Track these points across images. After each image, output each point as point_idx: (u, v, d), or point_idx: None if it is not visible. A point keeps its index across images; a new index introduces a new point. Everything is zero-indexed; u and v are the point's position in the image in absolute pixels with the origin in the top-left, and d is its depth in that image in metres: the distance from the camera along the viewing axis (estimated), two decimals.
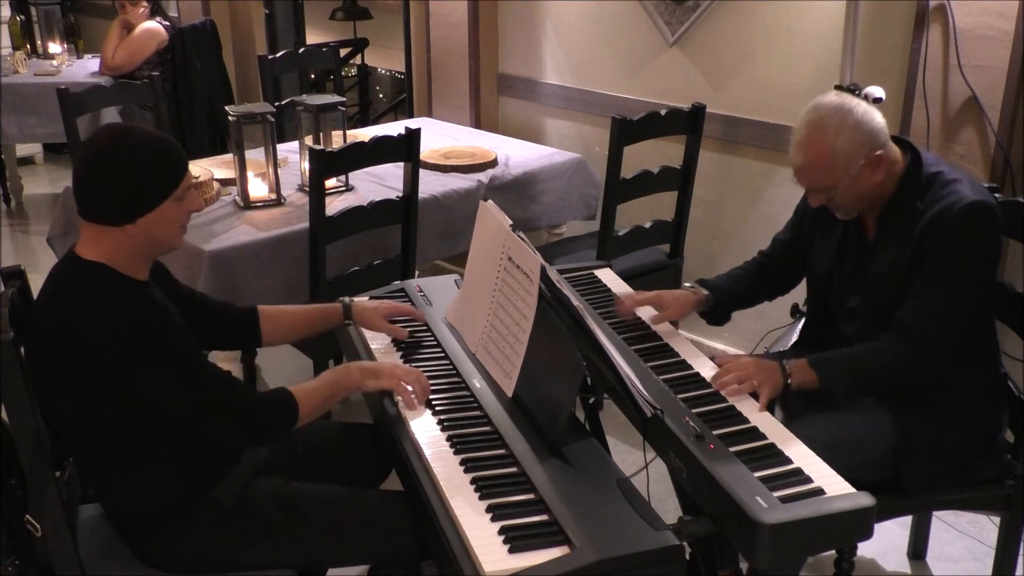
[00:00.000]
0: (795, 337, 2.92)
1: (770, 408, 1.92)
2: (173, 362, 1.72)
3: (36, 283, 1.81)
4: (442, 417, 1.88)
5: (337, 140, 3.28)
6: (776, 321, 3.22)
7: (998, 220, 1.97)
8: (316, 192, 2.73)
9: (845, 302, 2.15)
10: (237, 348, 1.80)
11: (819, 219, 2.21)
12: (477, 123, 4.29)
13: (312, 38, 6.26)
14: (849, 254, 2.15)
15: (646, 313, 2.23)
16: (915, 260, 1.98)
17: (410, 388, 1.92)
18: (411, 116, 4.68)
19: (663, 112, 3.15)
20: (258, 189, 3.13)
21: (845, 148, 1.95)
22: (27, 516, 1.67)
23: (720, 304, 2.31)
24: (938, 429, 2.02)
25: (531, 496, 1.64)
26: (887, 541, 2.69)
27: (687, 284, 2.32)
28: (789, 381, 1.97)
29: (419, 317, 2.20)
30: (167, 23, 5.12)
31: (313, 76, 5.70)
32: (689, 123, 3.19)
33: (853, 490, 1.62)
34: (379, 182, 3.32)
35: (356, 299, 2.20)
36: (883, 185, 2.02)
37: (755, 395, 1.93)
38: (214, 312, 2.02)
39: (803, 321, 2.88)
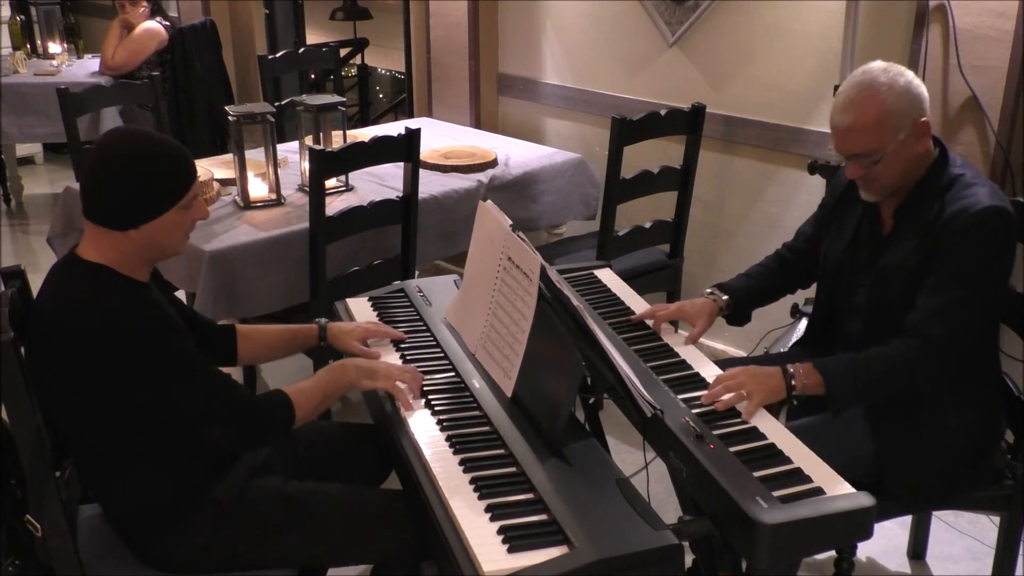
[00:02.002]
0: (795, 337, 2.92)
1: (775, 414, 1.88)
2: (173, 364, 1.72)
3: (36, 283, 1.81)
4: (441, 417, 1.88)
5: (337, 140, 3.28)
6: (776, 321, 3.22)
7: (1014, 228, 1.94)
8: (316, 192, 2.73)
9: (852, 296, 2.13)
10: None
11: (838, 210, 2.20)
12: (477, 123, 4.29)
13: (312, 38, 6.26)
14: (862, 247, 2.13)
15: (667, 330, 2.20)
16: (926, 259, 1.95)
17: (405, 387, 1.93)
18: (411, 116, 4.68)
19: (663, 112, 3.15)
20: (258, 189, 3.14)
21: (896, 108, 1.92)
22: (27, 516, 1.67)
23: (739, 305, 2.29)
24: (923, 438, 2.00)
25: (530, 496, 1.64)
26: (887, 541, 2.69)
27: (707, 291, 2.31)
28: (793, 383, 1.91)
29: (396, 337, 2.17)
30: (167, 23, 5.12)
31: (313, 76, 5.70)
32: (689, 123, 3.19)
33: (853, 490, 1.62)
34: (379, 182, 3.32)
35: (332, 322, 2.17)
36: (917, 165, 1.99)
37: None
38: (197, 325, 2.02)
39: (805, 321, 2.89)
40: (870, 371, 1.93)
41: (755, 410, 1.85)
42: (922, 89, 1.97)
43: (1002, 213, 1.92)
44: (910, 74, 1.97)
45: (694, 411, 1.84)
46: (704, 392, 1.91)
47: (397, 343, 2.16)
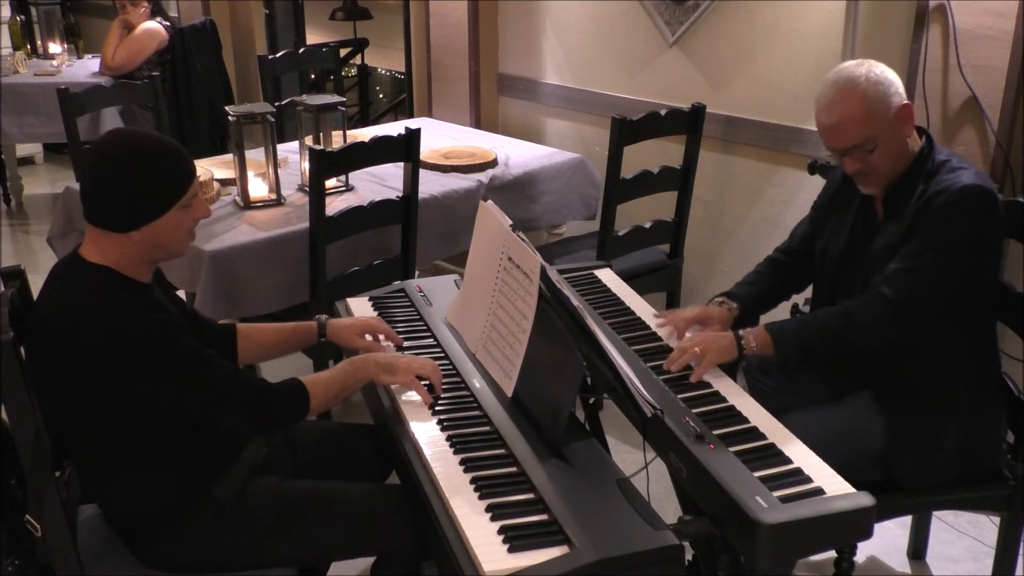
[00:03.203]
0: None
1: (732, 375, 1.96)
2: (179, 359, 1.72)
3: (36, 283, 1.81)
4: (442, 417, 1.88)
5: (337, 140, 3.28)
6: None
7: (996, 208, 1.97)
8: (316, 192, 2.73)
9: (850, 285, 2.15)
10: None
11: (834, 209, 2.22)
12: (477, 123, 4.29)
13: (312, 38, 6.26)
14: (858, 235, 2.16)
15: (664, 331, 2.20)
16: (907, 238, 1.99)
17: (425, 381, 1.93)
18: (411, 116, 4.69)
19: (663, 112, 3.15)
20: (258, 189, 3.14)
21: (877, 96, 1.98)
22: (27, 516, 1.67)
23: (747, 312, 2.30)
24: (930, 427, 2.02)
25: (531, 496, 1.64)
26: (887, 541, 2.69)
27: (717, 299, 2.30)
28: (743, 343, 2.00)
29: (393, 339, 2.14)
30: (167, 23, 5.12)
31: (313, 76, 5.70)
32: (689, 123, 3.19)
33: (853, 490, 1.62)
34: (379, 182, 3.32)
35: (332, 318, 2.17)
36: (907, 152, 2.04)
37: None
38: (197, 325, 2.02)
39: None
40: (820, 329, 2.03)
41: (705, 370, 1.96)
42: (895, 75, 2.03)
43: (982, 191, 1.95)
44: (880, 64, 2.04)
45: (694, 411, 1.84)
46: (701, 392, 1.92)
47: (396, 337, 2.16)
